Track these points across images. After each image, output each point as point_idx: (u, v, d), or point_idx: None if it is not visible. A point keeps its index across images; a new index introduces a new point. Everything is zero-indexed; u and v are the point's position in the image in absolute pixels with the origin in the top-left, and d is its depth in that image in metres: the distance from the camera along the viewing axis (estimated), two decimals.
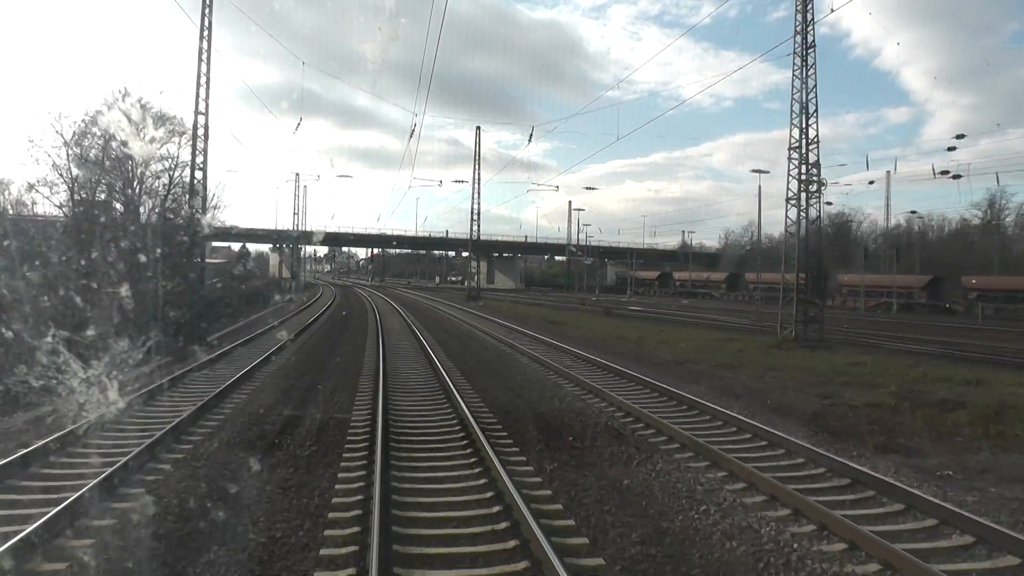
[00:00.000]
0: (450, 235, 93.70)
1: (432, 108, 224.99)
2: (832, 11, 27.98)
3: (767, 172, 39.78)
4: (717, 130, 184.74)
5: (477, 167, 50.87)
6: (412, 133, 35.02)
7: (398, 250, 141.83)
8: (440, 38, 79.49)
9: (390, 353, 17.39)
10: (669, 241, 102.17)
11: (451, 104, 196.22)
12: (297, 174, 55.86)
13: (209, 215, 48.68)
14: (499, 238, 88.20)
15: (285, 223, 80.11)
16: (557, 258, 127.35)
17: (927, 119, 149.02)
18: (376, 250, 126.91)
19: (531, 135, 32.64)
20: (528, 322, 30.59)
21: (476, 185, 50.99)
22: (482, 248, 53.49)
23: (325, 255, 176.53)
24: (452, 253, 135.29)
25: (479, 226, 51.72)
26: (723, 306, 57.90)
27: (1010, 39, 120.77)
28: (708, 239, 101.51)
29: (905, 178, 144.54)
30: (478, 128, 49.50)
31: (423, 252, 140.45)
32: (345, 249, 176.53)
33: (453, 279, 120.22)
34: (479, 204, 51.20)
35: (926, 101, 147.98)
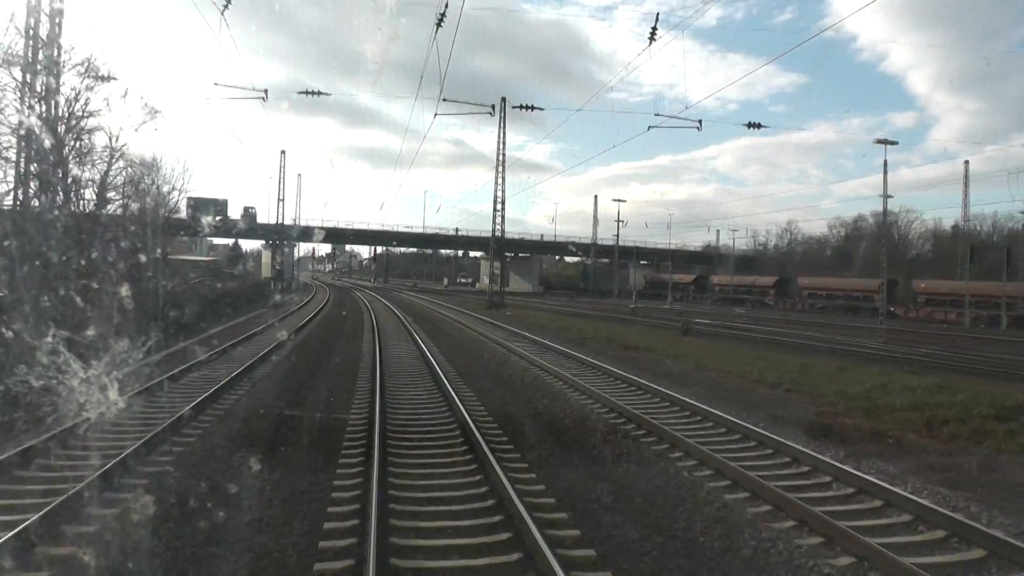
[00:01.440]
0: (460, 233, 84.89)
1: (436, 107, 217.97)
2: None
3: (895, 143, 30.25)
4: (722, 133, 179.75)
5: (502, 145, 41.81)
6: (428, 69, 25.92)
7: (403, 249, 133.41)
8: (455, 38, 70.31)
9: (398, 442, 8.37)
10: (673, 243, 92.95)
11: (455, 104, 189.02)
12: (283, 151, 46.73)
13: (172, 201, 39.84)
14: (520, 236, 79.34)
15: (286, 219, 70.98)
16: (569, 259, 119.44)
17: (933, 124, 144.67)
18: (379, 249, 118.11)
19: (655, 28, 22.35)
20: (590, 347, 21.61)
21: (501, 168, 41.94)
22: (501, 247, 44.42)
23: (327, 254, 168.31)
24: (460, 253, 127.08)
25: (503, 217, 42.64)
26: (792, 317, 48.63)
27: (1018, 44, 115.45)
28: (714, 240, 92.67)
29: (912, 183, 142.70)
30: (503, 99, 40.14)
31: (430, 252, 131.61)
32: (348, 248, 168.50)
33: (463, 281, 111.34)
34: (503, 191, 42.18)
35: (932, 105, 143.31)
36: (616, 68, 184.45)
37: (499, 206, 42.31)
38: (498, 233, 43.12)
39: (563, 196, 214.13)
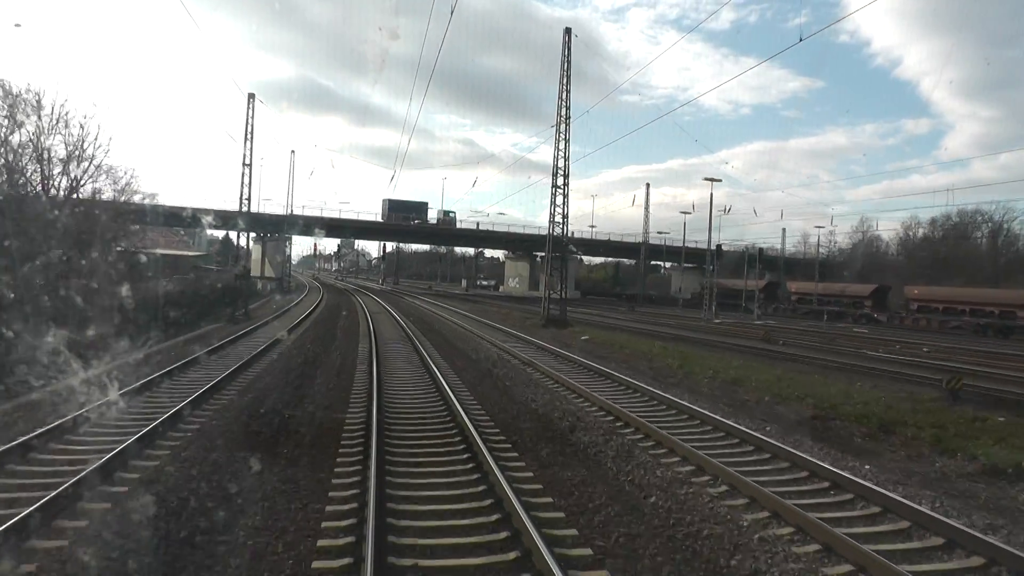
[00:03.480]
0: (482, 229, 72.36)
1: (447, 108, 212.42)
2: None
3: None
4: (734, 137, 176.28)
5: (566, 94, 29.24)
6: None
7: (415, 247, 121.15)
8: (446, 34, 60.38)
9: None
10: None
11: (466, 104, 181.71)
12: (251, 95, 33.83)
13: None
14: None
15: (285, 209, 58.72)
16: (593, 261, 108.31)
17: (947, 131, 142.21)
18: (389, 247, 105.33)
19: None
20: (879, 459, 8.94)
21: (564, 124, 29.36)
22: (563, 244, 31.91)
23: (334, 252, 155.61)
24: (473, 251, 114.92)
25: (567, 194, 29.85)
26: (948, 340, 35.37)
27: None
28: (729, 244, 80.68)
29: (924, 190, 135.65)
30: (568, 29, 27.06)
31: (443, 251, 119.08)
32: (357, 247, 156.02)
33: (484, 283, 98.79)
34: (567, 160, 29.50)
35: (946, 112, 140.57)
36: (629, 70, 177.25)
37: (561, 181, 29.55)
38: (558, 221, 30.24)
39: (574, 199, 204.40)
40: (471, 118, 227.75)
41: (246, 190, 33.08)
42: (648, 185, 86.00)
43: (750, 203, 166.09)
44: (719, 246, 47.58)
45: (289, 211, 56.90)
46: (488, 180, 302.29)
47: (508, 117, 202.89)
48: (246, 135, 32.38)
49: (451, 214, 70.39)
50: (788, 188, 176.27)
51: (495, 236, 72.92)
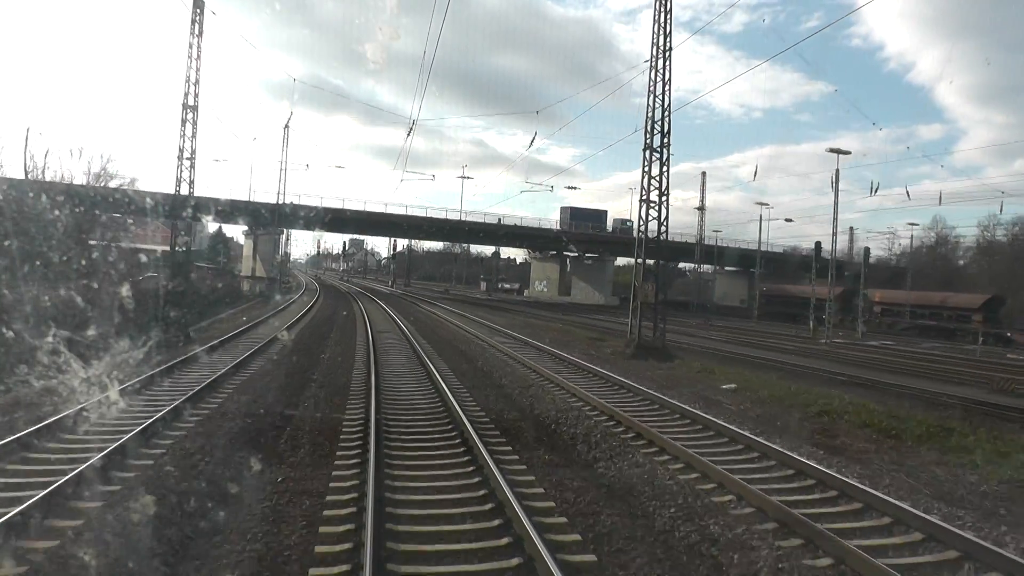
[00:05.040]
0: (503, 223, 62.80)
1: (458, 108, 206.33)
2: None
3: None
4: (746, 141, 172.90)
5: (664, 24, 19.94)
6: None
7: (427, 246, 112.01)
8: (442, 29, 54.99)
9: None
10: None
11: (478, 104, 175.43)
12: (198, 4, 23.52)
13: None
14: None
15: (277, 198, 49.53)
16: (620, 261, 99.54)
17: (960, 136, 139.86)
18: (400, 246, 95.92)
19: None
20: None
21: (664, 59, 20.02)
22: (659, 249, 22.06)
23: (342, 252, 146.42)
24: (490, 251, 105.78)
25: (666, 164, 20.39)
26: None
27: None
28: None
29: (934, 196, 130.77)
30: None
31: (458, 251, 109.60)
32: (368, 247, 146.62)
33: (506, 286, 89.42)
34: (667, 112, 20.07)
35: (959, 118, 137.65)
36: (641, 70, 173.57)
37: (659, 141, 20.05)
38: (654, 201, 20.68)
39: (584, 201, 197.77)
40: (483, 119, 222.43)
41: (189, 145, 23.22)
42: (704, 174, 76.13)
43: (759, 206, 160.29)
44: (819, 243, 38.01)
45: (281, 199, 47.77)
46: (496, 180, 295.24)
47: (519, 118, 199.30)
48: (190, 56, 22.84)
49: (628, 223, 66.52)
50: (797, 193, 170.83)
51: (537, 233, 64.33)
